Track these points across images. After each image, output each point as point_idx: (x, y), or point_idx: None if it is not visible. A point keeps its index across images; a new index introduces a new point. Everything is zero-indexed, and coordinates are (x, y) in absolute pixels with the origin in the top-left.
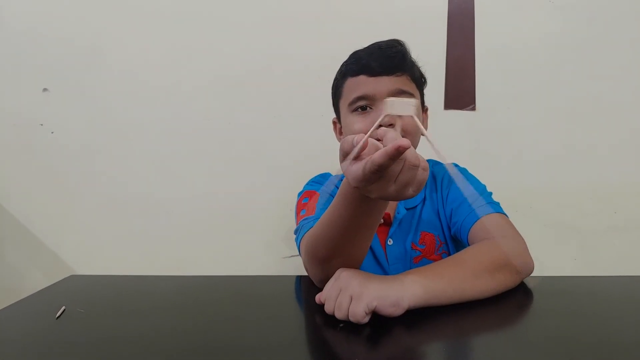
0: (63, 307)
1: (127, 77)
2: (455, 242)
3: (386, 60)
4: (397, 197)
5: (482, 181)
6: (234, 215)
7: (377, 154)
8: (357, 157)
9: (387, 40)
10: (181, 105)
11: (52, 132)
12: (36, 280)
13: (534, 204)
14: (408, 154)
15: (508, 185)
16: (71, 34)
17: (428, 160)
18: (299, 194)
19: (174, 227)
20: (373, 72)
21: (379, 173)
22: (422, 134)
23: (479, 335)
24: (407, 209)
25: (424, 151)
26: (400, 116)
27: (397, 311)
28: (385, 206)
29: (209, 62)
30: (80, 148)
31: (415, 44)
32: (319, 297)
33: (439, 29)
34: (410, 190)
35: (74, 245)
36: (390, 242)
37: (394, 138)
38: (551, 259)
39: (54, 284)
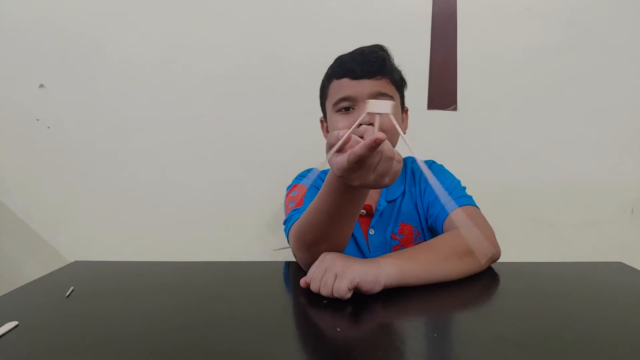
0: (72, 288)
1: (122, 72)
2: (431, 232)
3: (368, 64)
4: (376, 186)
5: (463, 177)
6: (226, 208)
7: (357, 146)
8: (341, 150)
9: (370, 46)
10: (175, 101)
11: (48, 127)
12: (34, 272)
13: (512, 200)
14: (385, 147)
15: (488, 181)
16: (68, 30)
17: (408, 158)
18: (288, 187)
19: (168, 220)
20: (355, 76)
21: (360, 163)
22: (398, 132)
23: (447, 311)
24: (387, 202)
25: (401, 149)
26: (379, 115)
27: (376, 288)
28: (365, 195)
29: (203, 58)
30: (76, 142)
31: (400, 47)
32: (305, 280)
33: (423, 33)
34: (387, 180)
35: (70, 238)
36: (371, 232)
37: (372, 132)
38: (527, 252)
39: (60, 268)
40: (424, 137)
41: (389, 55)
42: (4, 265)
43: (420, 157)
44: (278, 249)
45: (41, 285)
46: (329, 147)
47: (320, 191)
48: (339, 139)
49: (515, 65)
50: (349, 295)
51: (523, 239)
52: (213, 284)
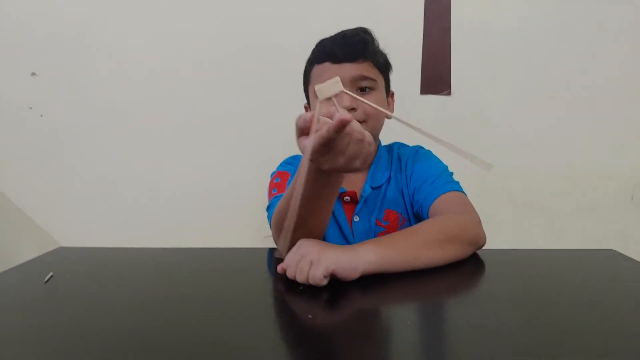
0: (51, 273)
1: (114, 60)
2: (417, 219)
3: (349, 48)
4: (346, 169)
5: (457, 163)
6: (219, 195)
7: (324, 128)
8: (309, 133)
9: (352, 29)
10: (166, 88)
11: (41, 115)
12: (28, 257)
13: (506, 186)
14: (354, 129)
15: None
16: (59, 18)
17: (394, 143)
18: (272, 174)
19: (160, 206)
20: (336, 59)
21: (328, 146)
22: (385, 114)
23: (427, 298)
24: (372, 188)
25: (400, 133)
26: (335, 97)
27: (353, 275)
28: (340, 180)
29: (194, 46)
30: (69, 129)
31: (392, 30)
32: (281, 266)
33: (415, 14)
34: (358, 163)
35: (63, 224)
36: (356, 218)
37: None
38: (521, 239)
39: (43, 254)
40: (416, 124)
41: (372, 37)
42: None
43: (426, 132)
44: (269, 236)
45: (21, 271)
46: (297, 130)
47: (295, 176)
48: (306, 122)
49: (511, 48)
50: (324, 282)
51: (517, 226)
52: (191, 270)
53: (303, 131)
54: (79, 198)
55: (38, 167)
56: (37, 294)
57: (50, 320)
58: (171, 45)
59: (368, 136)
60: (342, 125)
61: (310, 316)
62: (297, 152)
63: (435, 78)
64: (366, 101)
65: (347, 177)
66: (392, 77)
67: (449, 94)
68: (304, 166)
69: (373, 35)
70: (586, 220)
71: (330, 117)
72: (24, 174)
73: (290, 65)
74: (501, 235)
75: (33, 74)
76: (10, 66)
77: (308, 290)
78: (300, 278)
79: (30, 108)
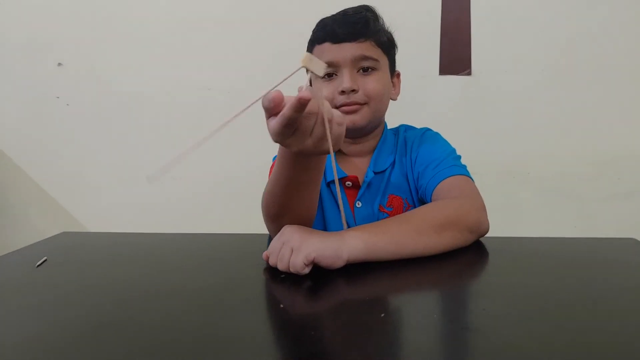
0: (44, 258)
1: (136, 49)
2: (422, 204)
3: (349, 26)
4: (316, 151)
5: (477, 147)
6: (238, 181)
7: (285, 107)
8: (277, 113)
9: (355, 7)
10: (187, 76)
11: (67, 104)
12: None
13: (532, 170)
14: (322, 108)
15: (505, 151)
16: (83, 9)
17: (401, 126)
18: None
19: (181, 192)
20: (336, 39)
21: (290, 126)
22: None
23: (415, 289)
24: (375, 173)
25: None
26: (310, 74)
27: (337, 262)
28: (320, 163)
29: (214, 33)
30: (93, 118)
31: (409, 8)
32: (265, 253)
33: None
34: (327, 145)
35: (91, 209)
36: (358, 204)
37: (310, 93)
38: (550, 227)
39: (45, 239)
40: (435, 105)
41: (375, 15)
42: (33, 234)
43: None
44: None
45: (20, 255)
46: (265, 111)
47: (275, 160)
48: (269, 102)
49: (533, 25)
50: (306, 270)
51: (544, 213)
52: (186, 257)
53: (270, 112)
54: (103, 185)
55: (66, 155)
56: (25, 278)
57: (33, 303)
58: (192, 33)
59: (338, 117)
60: (301, 104)
61: (282, 306)
62: None
63: (455, 58)
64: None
65: (349, 161)
66: (410, 57)
67: (469, 73)
68: (280, 149)
69: (377, 12)
70: (622, 208)
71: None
72: (54, 161)
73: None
74: (526, 223)
75: (59, 64)
76: (38, 57)
77: (289, 279)
78: (281, 266)
79: (58, 97)
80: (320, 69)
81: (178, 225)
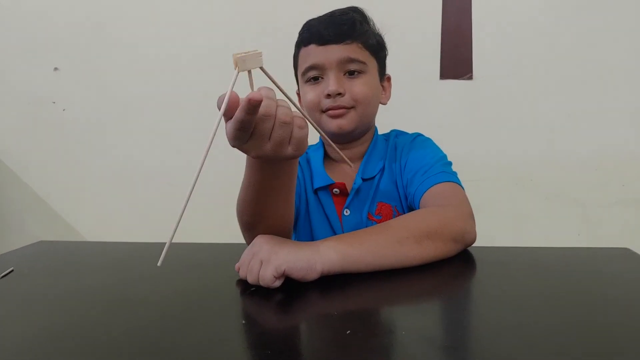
0: (11, 268)
1: (130, 54)
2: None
3: (335, 28)
4: (276, 155)
5: (478, 151)
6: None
7: (238, 109)
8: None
9: (343, 8)
10: (181, 79)
11: (63, 110)
12: None
13: (534, 176)
14: (279, 111)
15: (507, 156)
16: (78, 14)
17: (392, 131)
18: None
19: (177, 200)
20: (322, 41)
21: (244, 130)
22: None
23: (393, 303)
24: (363, 180)
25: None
26: (251, 72)
27: (310, 275)
28: (291, 168)
29: (208, 36)
30: (89, 123)
31: (409, 11)
32: (237, 265)
33: None
34: (290, 149)
35: (87, 216)
36: (346, 212)
37: (268, 94)
38: (554, 234)
39: (21, 248)
40: (435, 109)
41: (363, 16)
42: (28, 241)
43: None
44: None
45: None
46: (223, 115)
47: (245, 168)
48: (219, 103)
49: (535, 28)
50: (276, 283)
51: (547, 219)
52: (152, 265)
53: (226, 115)
54: (99, 191)
55: (62, 160)
56: None
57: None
58: (186, 37)
59: (298, 120)
60: (252, 106)
61: (243, 322)
62: None
63: (456, 61)
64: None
65: (337, 168)
66: (411, 60)
67: (470, 78)
68: (248, 157)
69: (365, 14)
70: (629, 215)
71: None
72: (49, 166)
73: (282, 54)
74: (529, 230)
75: (55, 69)
76: (34, 62)
77: (259, 292)
78: (250, 279)
79: (54, 102)
80: (257, 61)
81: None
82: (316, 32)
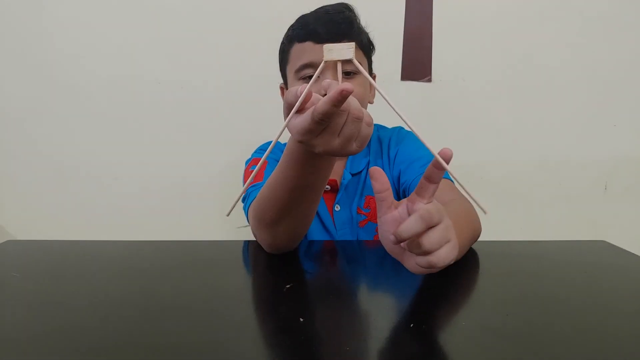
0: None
1: (73, 33)
2: None
3: (333, 26)
4: (342, 152)
5: (435, 151)
6: (186, 183)
7: (320, 102)
8: (301, 110)
9: (335, 5)
10: (130, 66)
11: None
12: None
13: (484, 175)
14: (352, 106)
15: (460, 156)
16: None
17: (373, 125)
18: (247, 162)
19: (122, 194)
20: (319, 39)
21: (323, 123)
22: (379, 94)
23: (427, 298)
24: (352, 175)
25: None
26: (340, 62)
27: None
28: (331, 165)
29: (161, 19)
30: (22, 109)
31: (373, 14)
32: (398, 234)
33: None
34: (354, 145)
35: (15, 213)
36: (337, 207)
37: (337, 85)
38: (499, 229)
39: None
40: (398, 110)
41: (355, 15)
42: None
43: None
44: (243, 227)
45: None
46: (288, 107)
47: (279, 162)
48: (298, 97)
49: (493, 37)
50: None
51: (496, 215)
52: (161, 265)
53: (294, 108)
54: (33, 185)
55: None
56: None
57: None
58: (137, 19)
59: (367, 116)
60: (342, 98)
61: (302, 319)
62: (270, 137)
63: (416, 64)
64: (368, 76)
65: None
66: (374, 61)
67: (429, 80)
68: (291, 150)
69: (356, 12)
70: (562, 211)
71: (319, 91)
72: None
73: (267, 45)
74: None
75: None
76: None
77: (296, 288)
78: (429, 246)
79: None
80: (347, 51)
81: (120, 233)
82: (313, 30)
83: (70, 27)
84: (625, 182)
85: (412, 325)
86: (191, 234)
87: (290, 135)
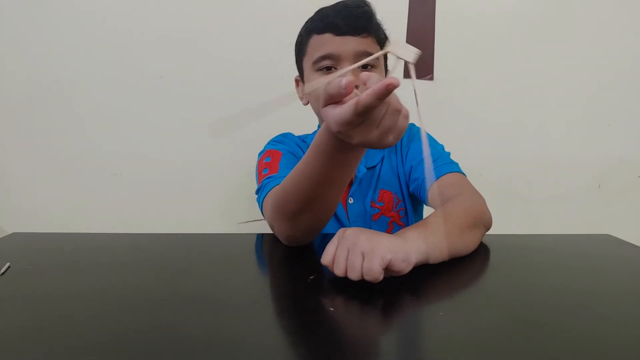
0: (8, 264)
1: (69, 27)
2: (412, 199)
3: (353, 20)
4: (379, 144)
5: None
6: (187, 177)
7: (364, 94)
8: (340, 102)
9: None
10: (132, 60)
11: None
12: None
13: (483, 173)
14: (392, 98)
15: (460, 154)
16: None
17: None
18: (260, 153)
19: (121, 188)
20: (339, 31)
21: (366, 114)
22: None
23: (448, 289)
24: (367, 168)
25: None
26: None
27: (407, 267)
28: (359, 158)
29: (162, 14)
30: (23, 102)
31: (377, 14)
32: (327, 260)
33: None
34: (391, 137)
35: (12, 206)
36: (351, 200)
37: (379, 79)
38: (498, 225)
39: None
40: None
41: (374, 11)
42: None
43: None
44: (244, 222)
45: None
46: (328, 97)
47: (306, 154)
48: (340, 87)
49: (493, 37)
50: (382, 276)
51: (494, 212)
52: (177, 260)
53: (333, 99)
54: (30, 177)
55: None
56: None
57: (14, 320)
58: (138, 14)
59: (405, 109)
60: (388, 91)
61: (332, 309)
62: (276, 130)
63: (419, 63)
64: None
65: None
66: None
67: (431, 79)
68: (321, 141)
69: (373, 7)
70: (558, 209)
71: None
72: None
73: (270, 42)
74: None
75: None
76: None
77: (319, 279)
78: (354, 275)
79: None
80: (410, 54)
81: (123, 226)
82: (332, 22)
83: (72, 19)
84: (618, 181)
85: (441, 313)
86: (193, 229)
87: (317, 127)
